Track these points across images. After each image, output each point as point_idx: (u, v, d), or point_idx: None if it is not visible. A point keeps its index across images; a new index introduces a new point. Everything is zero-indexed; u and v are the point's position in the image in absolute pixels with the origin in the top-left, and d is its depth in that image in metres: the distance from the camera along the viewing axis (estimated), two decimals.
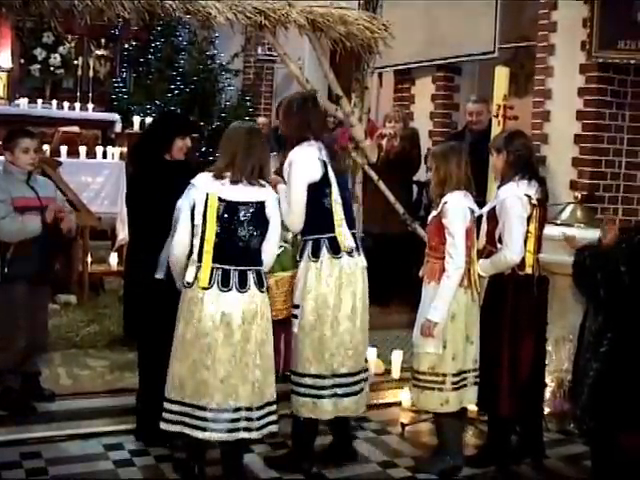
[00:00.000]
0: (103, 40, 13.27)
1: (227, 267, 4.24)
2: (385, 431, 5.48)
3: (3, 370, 5.41)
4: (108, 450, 4.92)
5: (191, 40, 12.78)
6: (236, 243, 4.26)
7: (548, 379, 5.83)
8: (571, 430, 5.43)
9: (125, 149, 9.81)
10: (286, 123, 4.76)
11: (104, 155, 9.66)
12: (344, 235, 4.64)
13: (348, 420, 4.94)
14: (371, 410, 5.43)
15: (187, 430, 4.27)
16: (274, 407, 4.42)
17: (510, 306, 4.86)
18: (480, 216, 4.94)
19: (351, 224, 4.74)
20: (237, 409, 4.25)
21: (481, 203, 5.76)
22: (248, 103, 12.94)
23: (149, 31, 12.47)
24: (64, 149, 9.24)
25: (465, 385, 4.78)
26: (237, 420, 4.25)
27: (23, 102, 11.92)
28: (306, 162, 4.58)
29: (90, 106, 12.37)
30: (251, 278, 4.28)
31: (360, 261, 4.74)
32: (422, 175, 8.29)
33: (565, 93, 7.37)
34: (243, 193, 4.25)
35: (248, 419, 4.28)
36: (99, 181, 9.31)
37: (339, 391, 4.67)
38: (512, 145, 4.92)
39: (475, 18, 8.40)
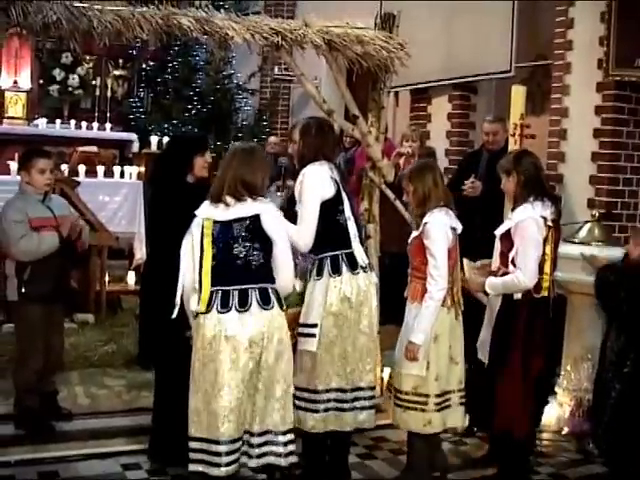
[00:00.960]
0: (121, 60, 13.34)
1: (227, 288, 4.10)
2: (402, 451, 5.46)
3: (21, 389, 5.44)
4: (125, 470, 4.93)
5: (208, 60, 12.81)
6: (233, 262, 4.11)
7: (567, 398, 5.82)
8: (590, 450, 5.40)
9: (143, 169, 9.86)
10: (302, 144, 4.78)
11: (122, 175, 9.70)
12: (359, 251, 4.68)
13: (346, 438, 4.90)
14: (387, 429, 5.40)
15: (205, 469, 4.07)
16: (277, 437, 4.20)
17: (524, 328, 4.76)
18: (473, 233, 4.95)
19: (361, 241, 4.80)
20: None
21: (498, 223, 5.77)
22: (264, 123, 12.97)
23: (166, 51, 12.53)
24: (82, 169, 9.29)
25: (449, 406, 4.74)
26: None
27: (42, 122, 12.01)
28: (318, 179, 4.62)
29: (108, 126, 12.43)
30: (253, 296, 4.10)
31: (373, 277, 4.78)
32: None
33: (582, 111, 7.38)
34: (234, 210, 4.14)
35: (248, 444, 4.18)
36: (117, 200, 9.34)
37: (358, 404, 4.69)
38: (521, 165, 4.87)
39: (491, 37, 8.42)
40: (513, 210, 4.89)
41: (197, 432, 4.11)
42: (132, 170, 9.80)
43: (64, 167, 9.46)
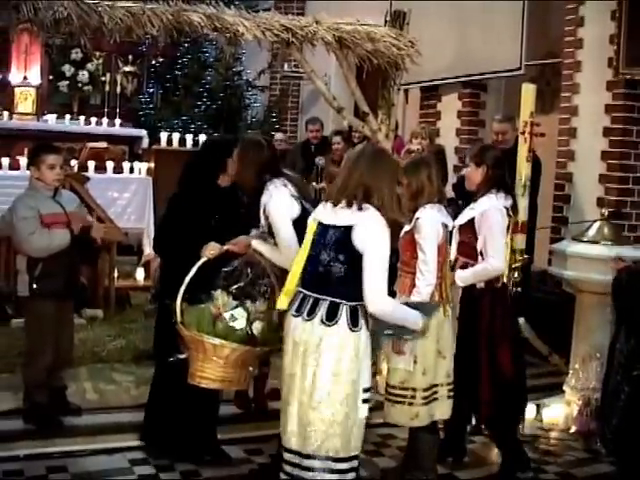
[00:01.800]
0: (130, 57, 13.40)
1: (307, 292, 3.93)
2: None
3: (30, 385, 5.45)
4: (133, 465, 4.92)
5: (218, 56, 12.85)
6: (317, 268, 3.91)
7: (575, 397, 5.81)
8: (598, 449, 5.39)
9: (152, 165, 9.86)
10: (241, 165, 4.81)
11: (131, 170, 9.71)
12: None
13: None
14: (395, 426, 5.39)
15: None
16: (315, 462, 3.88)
17: (487, 317, 4.91)
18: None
19: None
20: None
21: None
22: (274, 119, 12.98)
23: (176, 48, 12.56)
24: (92, 164, 9.31)
25: (436, 399, 4.75)
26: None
27: (51, 118, 12.06)
28: (283, 200, 4.66)
29: (117, 122, 12.48)
30: (321, 308, 3.85)
31: None
32: (449, 191, 8.28)
33: (592, 110, 7.37)
34: (337, 215, 3.90)
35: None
36: (126, 196, 9.35)
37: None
38: (491, 158, 5.02)
39: (501, 35, 8.41)
40: (475, 201, 5.00)
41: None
42: (141, 166, 9.80)
43: (73, 163, 9.48)
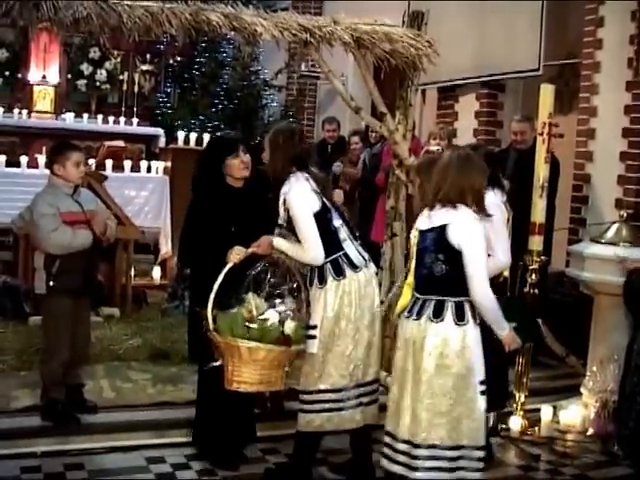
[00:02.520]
0: (148, 56, 13.41)
1: (418, 296, 4.23)
2: None
3: (47, 382, 5.48)
4: (150, 463, 4.94)
5: (235, 56, 12.85)
6: (422, 271, 4.21)
7: (592, 399, 5.79)
8: (615, 452, 5.37)
9: (169, 164, 9.88)
10: (271, 156, 4.78)
11: (148, 169, 9.73)
12: (352, 251, 4.67)
13: (368, 436, 4.87)
14: None
15: None
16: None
17: None
18: None
19: (356, 237, 4.79)
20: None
21: (528, 220, 5.77)
22: (291, 119, 12.97)
23: (194, 47, 12.58)
24: (109, 163, 9.34)
25: None
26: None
27: (69, 116, 12.11)
28: (304, 194, 4.63)
29: (135, 120, 12.51)
30: (429, 308, 4.15)
31: (371, 269, 4.76)
32: None
33: (611, 110, 7.34)
34: (433, 219, 4.20)
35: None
36: (143, 195, 9.37)
37: (364, 400, 4.67)
38: (483, 158, 4.98)
39: (520, 35, 8.39)
40: None
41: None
42: (159, 165, 9.82)
43: (91, 161, 9.52)
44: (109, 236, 5.66)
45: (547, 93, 5.82)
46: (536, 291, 5.78)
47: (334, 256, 4.60)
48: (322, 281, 4.60)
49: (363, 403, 4.67)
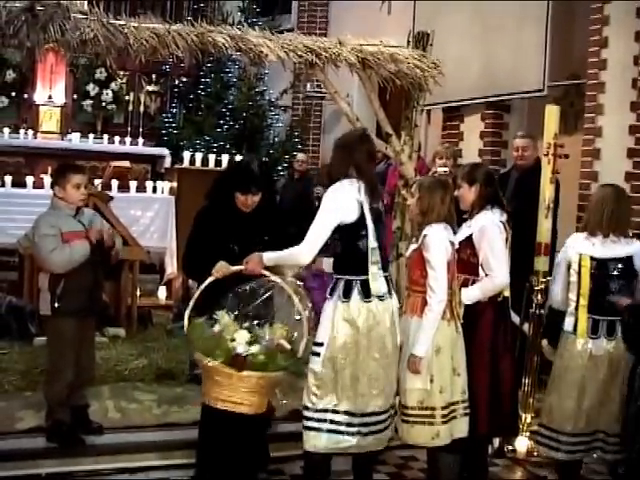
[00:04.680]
0: (154, 76, 13.44)
1: (596, 317, 5.02)
2: None
3: (52, 403, 5.46)
4: None
5: (240, 76, 12.91)
6: (603, 297, 4.92)
7: None
8: (621, 474, 5.33)
9: (175, 184, 9.90)
10: (333, 157, 4.78)
11: (154, 190, 9.75)
12: (377, 279, 4.61)
13: (370, 459, 4.87)
14: (418, 448, 5.36)
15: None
16: None
17: (491, 330, 4.93)
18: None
19: (385, 266, 4.72)
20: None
21: (529, 242, 5.77)
22: (296, 139, 13.01)
23: (199, 67, 12.62)
24: (115, 183, 9.35)
25: (455, 417, 4.74)
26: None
27: (75, 137, 12.13)
28: (343, 201, 4.57)
29: (140, 141, 12.54)
30: (604, 326, 5.00)
31: (391, 304, 4.68)
32: None
33: (616, 131, 7.34)
34: (611, 249, 4.98)
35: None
36: (149, 215, 9.39)
37: (364, 430, 4.62)
38: (482, 177, 5.08)
39: (524, 56, 8.41)
40: (471, 217, 5.05)
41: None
42: (164, 185, 9.85)
43: (97, 182, 9.54)
44: (117, 248, 5.65)
45: (552, 114, 5.84)
46: (542, 311, 5.77)
47: (351, 277, 4.58)
48: (331, 294, 4.62)
49: (362, 433, 4.61)
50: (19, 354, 6.93)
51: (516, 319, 5.79)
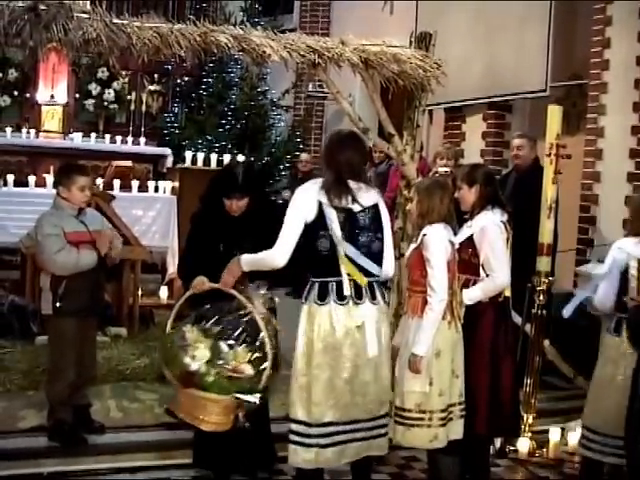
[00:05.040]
0: (156, 75, 13.45)
1: None
2: None
3: (54, 402, 5.47)
4: None
5: (242, 76, 12.92)
6: None
7: None
8: (623, 475, 5.33)
9: (177, 183, 9.90)
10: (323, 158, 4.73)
11: (156, 189, 9.74)
12: (351, 281, 4.39)
13: (369, 465, 4.77)
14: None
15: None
16: None
17: (491, 331, 4.91)
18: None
19: (367, 272, 4.46)
20: None
21: (530, 243, 5.76)
22: (298, 139, 13.02)
23: (201, 67, 12.63)
24: (117, 183, 9.35)
25: (451, 419, 4.72)
26: None
27: (77, 136, 12.14)
28: (301, 200, 4.43)
29: (142, 140, 12.54)
30: None
31: (373, 308, 4.46)
32: None
33: (618, 131, 7.35)
34: None
35: None
36: (151, 215, 9.39)
37: (358, 435, 4.47)
38: (482, 177, 5.08)
39: (527, 56, 8.42)
40: (472, 218, 5.03)
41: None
42: (166, 185, 9.84)
43: (99, 181, 9.54)
44: (114, 255, 5.66)
45: (555, 114, 5.84)
46: (544, 312, 5.77)
47: (324, 279, 4.39)
48: (306, 298, 4.43)
49: (357, 439, 4.46)
50: (21, 353, 6.92)
51: (517, 319, 5.80)
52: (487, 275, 4.90)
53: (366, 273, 4.44)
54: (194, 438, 5.05)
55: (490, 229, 4.92)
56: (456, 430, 4.75)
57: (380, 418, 4.58)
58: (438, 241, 4.64)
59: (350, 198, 4.43)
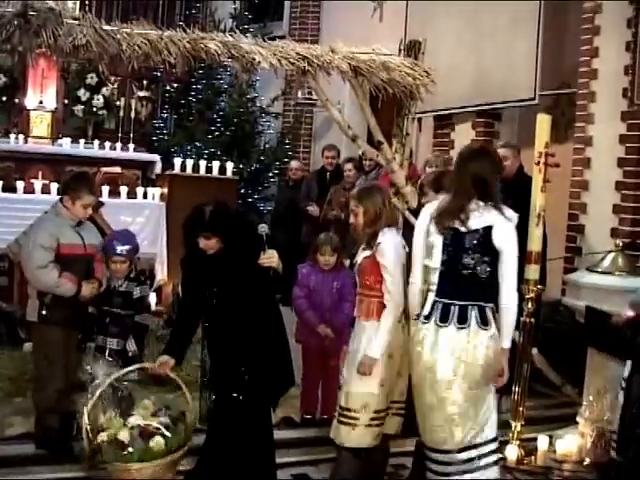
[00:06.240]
0: (145, 82, 13.39)
1: None
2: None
3: (41, 409, 5.45)
4: None
5: (232, 83, 12.91)
6: None
7: (588, 429, 5.77)
8: None
9: (165, 190, 9.87)
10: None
11: (144, 196, 9.71)
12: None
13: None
14: (408, 456, 5.38)
15: None
16: None
17: None
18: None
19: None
20: None
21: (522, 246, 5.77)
22: (287, 146, 13.01)
23: (190, 74, 12.61)
24: (105, 189, 9.32)
25: (388, 414, 4.81)
26: None
27: (66, 142, 12.08)
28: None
29: (131, 146, 12.49)
30: None
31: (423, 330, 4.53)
32: None
33: (606, 140, 7.37)
34: None
35: None
36: (139, 221, 9.34)
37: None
38: (448, 184, 4.99)
39: (516, 65, 8.44)
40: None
41: None
42: (155, 191, 9.81)
43: None
44: (87, 296, 5.62)
45: (543, 123, 5.85)
46: (532, 320, 5.78)
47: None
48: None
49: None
50: (8, 359, 6.90)
51: None
52: None
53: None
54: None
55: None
56: (391, 425, 4.85)
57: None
58: (393, 248, 4.73)
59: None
